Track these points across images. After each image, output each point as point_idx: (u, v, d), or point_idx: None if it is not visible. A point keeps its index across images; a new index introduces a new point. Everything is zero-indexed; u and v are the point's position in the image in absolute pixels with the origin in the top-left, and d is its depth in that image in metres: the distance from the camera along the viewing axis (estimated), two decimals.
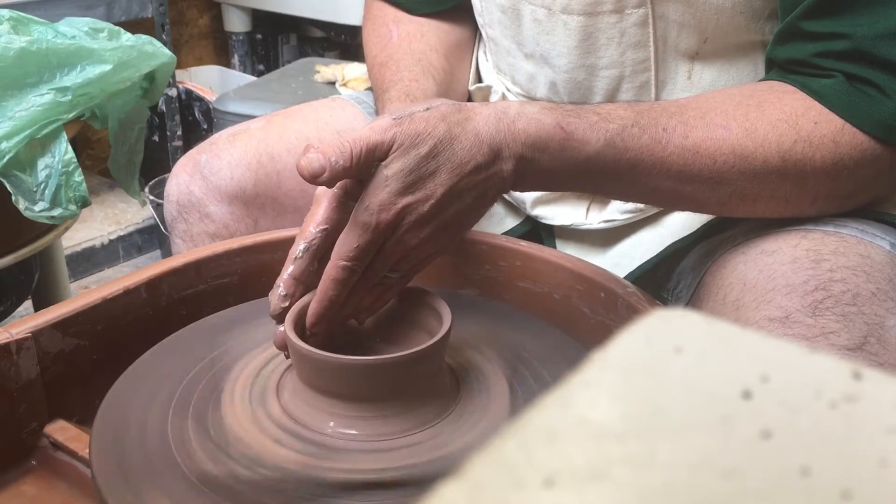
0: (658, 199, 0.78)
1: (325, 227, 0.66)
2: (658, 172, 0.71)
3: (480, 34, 0.99)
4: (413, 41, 0.94)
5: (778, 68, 0.75)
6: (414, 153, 0.64)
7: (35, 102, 1.16)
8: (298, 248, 0.66)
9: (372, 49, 0.96)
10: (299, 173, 0.63)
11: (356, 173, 0.64)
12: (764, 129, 0.70)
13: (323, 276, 0.64)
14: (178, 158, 1.19)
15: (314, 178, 0.62)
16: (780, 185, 0.71)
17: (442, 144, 0.64)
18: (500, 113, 0.68)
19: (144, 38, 1.32)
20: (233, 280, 0.82)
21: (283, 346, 0.67)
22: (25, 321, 0.68)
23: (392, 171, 0.63)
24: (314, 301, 0.65)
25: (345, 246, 0.64)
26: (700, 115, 0.71)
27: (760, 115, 0.70)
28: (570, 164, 0.69)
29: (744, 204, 0.73)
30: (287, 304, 0.66)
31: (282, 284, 0.66)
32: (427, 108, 0.66)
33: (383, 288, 0.69)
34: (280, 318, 0.66)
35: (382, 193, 0.63)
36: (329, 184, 0.64)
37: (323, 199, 0.67)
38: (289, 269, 0.66)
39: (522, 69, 0.89)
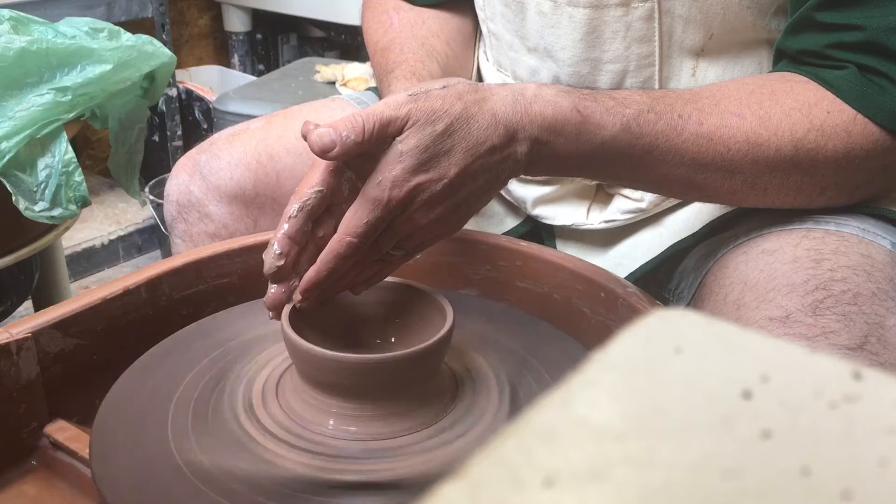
0: (669, 187, 0.78)
1: (321, 188, 0.65)
2: (672, 159, 0.71)
3: (481, 32, 0.99)
4: (415, 27, 0.94)
5: (789, 60, 0.75)
6: (430, 130, 0.63)
7: (35, 102, 1.16)
8: (293, 207, 0.65)
9: (373, 36, 0.96)
10: (310, 147, 0.62)
11: (368, 149, 0.63)
12: (777, 118, 0.70)
13: (326, 249, 0.64)
14: (178, 158, 1.19)
15: (324, 153, 0.62)
16: (791, 174, 0.71)
17: (458, 123, 0.64)
18: (516, 94, 0.67)
19: (144, 38, 1.32)
20: (233, 280, 0.82)
21: (274, 307, 0.66)
22: (25, 321, 0.68)
23: (407, 146, 0.62)
24: (312, 269, 0.64)
25: (353, 221, 0.63)
26: (714, 102, 0.71)
27: (774, 103, 0.70)
28: (585, 148, 0.69)
29: (754, 193, 0.73)
30: (282, 262, 0.65)
31: (276, 243, 0.65)
32: (444, 87, 0.65)
33: (383, 264, 0.68)
34: (274, 277, 0.65)
35: (396, 169, 0.63)
36: (339, 159, 0.63)
37: (320, 164, 0.66)
38: (283, 228, 0.65)
39: (525, 64, 0.89)
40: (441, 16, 0.98)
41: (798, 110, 0.70)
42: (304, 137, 0.63)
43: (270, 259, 0.65)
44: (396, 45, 0.90)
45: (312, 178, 0.66)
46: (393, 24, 0.95)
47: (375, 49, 0.94)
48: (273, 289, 0.66)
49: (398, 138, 0.63)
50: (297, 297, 0.65)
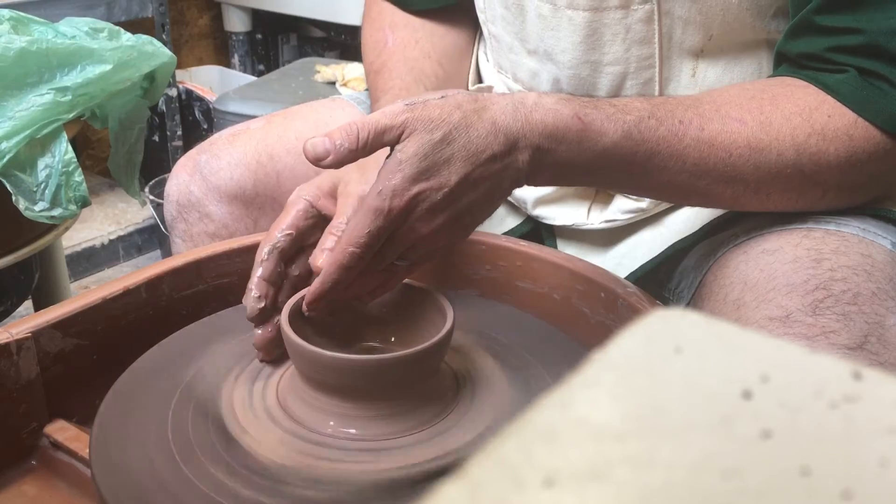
0: (671, 193, 0.77)
1: (291, 232, 0.68)
2: (674, 165, 0.71)
3: (481, 34, 0.99)
4: (407, 48, 0.94)
5: (789, 63, 0.75)
6: (428, 138, 0.63)
7: (35, 102, 1.16)
8: (264, 250, 0.68)
9: (369, 55, 0.97)
10: (305, 156, 0.63)
11: (363, 156, 0.63)
12: (779, 123, 0.70)
13: (329, 260, 0.64)
14: (178, 158, 1.19)
15: (318, 161, 0.62)
16: (793, 178, 0.71)
17: (457, 131, 0.63)
18: (516, 103, 0.67)
19: (144, 38, 1.32)
20: (233, 280, 0.82)
21: (263, 347, 0.69)
22: (25, 321, 0.68)
23: (406, 155, 0.62)
24: (316, 281, 0.65)
25: (355, 231, 0.63)
26: (715, 108, 0.71)
27: (775, 108, 0.70)
28: (587, 156, 0.69)
29: (757, 198, 0.73)
30: (262, 304, 0.68)
31: (254, 287, 0.68)
32: (442, 97, 0.65)
33: (389, 274, 0.68)
34: (257, 319, 0.69)
35: (396, 178, 0.62)
36: (334, 167, 0.63)
37: (291, 209, 0.69)
38: (258, 272, 0.68)
39: (525, 66, 0.89)
40: (436, 32, 0.98)
41: (799, 115, 0.70)
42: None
43: (251, 303, 0.68)
44: (386, 69, 0.92)
45: (282, 222, 0.69)
46: (387, 45, 0.95)
47: (369, 70, 0.96)
48: (259, 331, 0.69)
49: (397, 147, 0.63)
50: (304, 308, 0.66)
